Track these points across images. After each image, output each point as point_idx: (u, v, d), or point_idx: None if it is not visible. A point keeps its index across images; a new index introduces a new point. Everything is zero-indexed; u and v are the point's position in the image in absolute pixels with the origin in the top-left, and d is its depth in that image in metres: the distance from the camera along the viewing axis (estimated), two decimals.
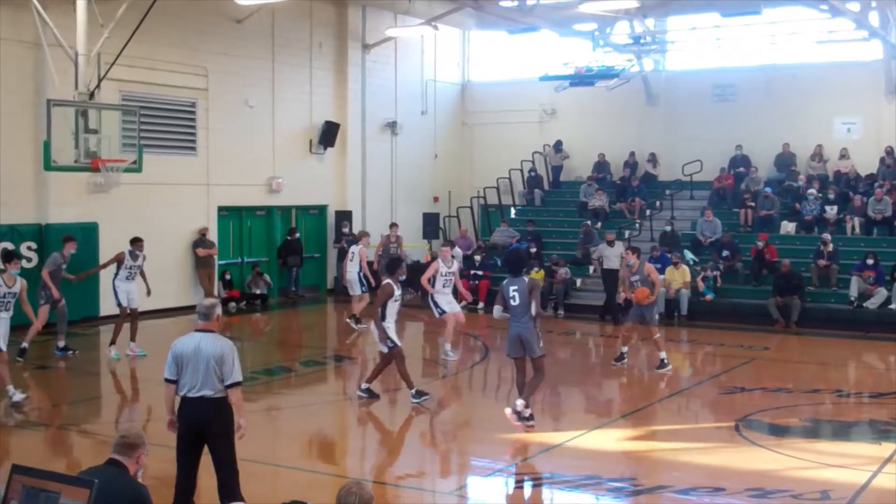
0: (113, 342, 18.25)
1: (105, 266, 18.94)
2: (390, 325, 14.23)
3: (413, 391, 14.18)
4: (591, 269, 25.90)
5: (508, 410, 12.73)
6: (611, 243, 23.07)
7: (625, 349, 18.09)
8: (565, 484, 10.81)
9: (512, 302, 12.67)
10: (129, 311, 18.12)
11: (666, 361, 17.33)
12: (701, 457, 11.96)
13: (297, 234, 27.40)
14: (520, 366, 12.96)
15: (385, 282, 14.42)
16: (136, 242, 18.33)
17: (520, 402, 12.72)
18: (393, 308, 14.26)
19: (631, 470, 11.45)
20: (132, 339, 18.19)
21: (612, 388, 17.11)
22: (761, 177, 27.92)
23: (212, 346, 8.58)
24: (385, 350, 14.27)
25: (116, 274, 18.19)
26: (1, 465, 10.61)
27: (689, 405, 15.62)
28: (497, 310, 12.86)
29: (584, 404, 15.91)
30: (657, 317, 18.12)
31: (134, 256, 18.16)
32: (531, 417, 12.84)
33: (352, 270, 21.42)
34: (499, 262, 25.78)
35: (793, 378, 17.53)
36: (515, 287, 12.68)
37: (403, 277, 14.49)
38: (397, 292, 14.30)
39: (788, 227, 25.91)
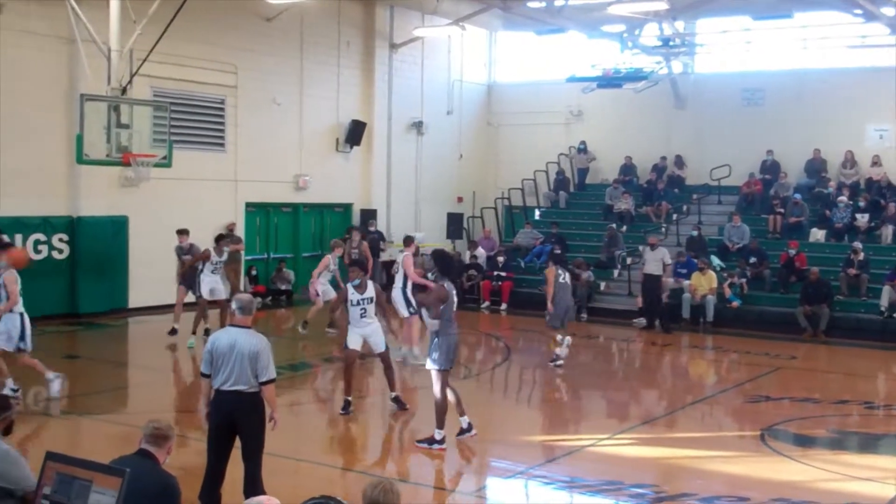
0: (193, 332, 18.86)
1: (195, 261, 19.42)
2: (353, 329, 13.80)
3: (347, 398, 13.85)
4: (616, 272, 25.87)
5: (466, 436, 12.23)
6: (652, 247, 22.93)
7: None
8: (586, 488, 10.79)
9: (453, 307, 12.01)
10: (205, 302, 19.03)
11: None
12: (725, 465, 11.91)
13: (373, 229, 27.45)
14: (447, 380, 12.09)
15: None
16: (221, 240, 19.46)
17: (467, 419, 12.31)
18: (354, 311, 13.77)
19: (653, 476, 11.40)
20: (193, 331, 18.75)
21: (635, 393, 17.03)
22: (791, 183, 27.72)
23: (247, 343, 8.74)
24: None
25: (202, 269, 19.03)
26: (34, 451, 10.69)
27: (713, 413, 15.55)
28: (428, 317, 11.95)
29: (607, 409, 15.86)
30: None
31: (219, 252, 19.14)
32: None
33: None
34: (522, 263, 25.81)
35: (820, 388, 17.40)
36: (455, 291, 12.20)
37: (357, 281, 13.87)
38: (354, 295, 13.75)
39: (818, 234, 25.69)
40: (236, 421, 8.83)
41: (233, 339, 8.78)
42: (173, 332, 19.37)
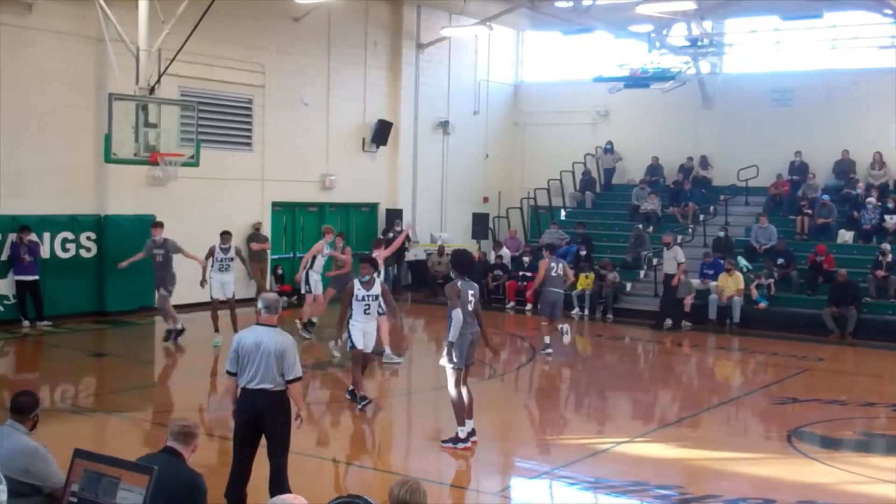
0: (216, 329, 18.93)
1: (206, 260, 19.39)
2: (355, 323, 13.89)
3: (363, 395, 13.91)
4: (642, 273, 25.80)
5: (462, 444, 11.98)
6: (667, 246, 22.94)
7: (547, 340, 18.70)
8: (611, 489, 10.77)
9: (469, 307, 11.87)
10: (216, 301, 19.03)
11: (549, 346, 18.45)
12: (751, 467, 11.85)
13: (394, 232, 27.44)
14: (460, 378, 11.98)
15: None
16: (224, 235, 19.34)
17: (472, 424, 12.10)
18: (358, 307, 13.87)
19: (678, 477, 11.34)
20: (233, 327, 18.38)
21: (660, 394, 16.99)
22: (819, 184, 27.54)
23: (273, 341, 8.76)
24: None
25: (211, 268, 19.09)
26: (62, 449, 10.76)
27: (739, 414, 15.50)
28: (458, 313, 11.67)
29: (632, 410, 15.79)
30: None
31: (224, 249, 19.10)
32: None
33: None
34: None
35: (847, 390, 17.32)
36: (473, 292, 12.00)
37: (367, 278, 13.99)
38: (361, 291, 13.84)
39: (846, 235, 25.53)
40: (262, 419, 8.85)
41: (259, 338, 8.80)
42: (173, 335, 18.86)
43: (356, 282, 13.93)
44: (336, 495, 5.85)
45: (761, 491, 10.65)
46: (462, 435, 11.92)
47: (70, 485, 5.97)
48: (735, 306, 22.79)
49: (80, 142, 21.18)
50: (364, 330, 13.95)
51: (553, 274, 18.47)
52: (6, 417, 7.06)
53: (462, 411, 11.92)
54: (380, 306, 14.38)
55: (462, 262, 12.23)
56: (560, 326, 18.59)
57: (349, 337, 13.88)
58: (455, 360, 11.81)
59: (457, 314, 11.61)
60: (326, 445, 12.66)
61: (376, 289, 13.91)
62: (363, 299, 13.80)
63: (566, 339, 18.53)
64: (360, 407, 13.76)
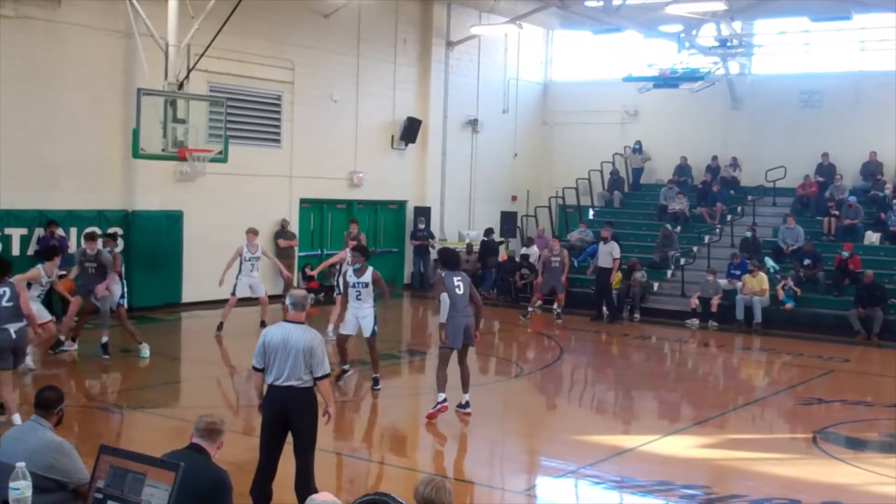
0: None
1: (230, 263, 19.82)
2: (349, 309, 15.00)
3: (343, 367, 15.33)
4: (669, 272, 25.74)
5: (462, 410, 13.39)
6: (604, 240, 23.48)
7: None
8: (637, 489, 10.76)
9: (458, 291, 13.04)
10: (235, 300, 19.60)
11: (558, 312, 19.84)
12: (776, 467, 11.81)
13: (493, 235, 28.01)
14: (448, 358, 13.28)
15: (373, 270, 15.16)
16: (248, 234, 19.91)
17: (468, 397, 13.44)
18: (351, 293, 14.94)
19: (704, 477, 11.33)
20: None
21: (686, 394, 16.94)
22: (846, 185, 27.46)
23: (301, 338, 8.77)
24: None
25: (239, 269, 19.75)
26: (87, 444, 10.84)
27: (764, 415, 15.46)
28: (444, 297, 12.92)
29: (658, 409, 15.79)
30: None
31: (252, 248, 19.71)
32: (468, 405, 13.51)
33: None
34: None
35: (873, 391, 17.22)
36: (459, 278, 13.19)
37: (357, 266, 14.91)
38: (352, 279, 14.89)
39: (873, 237, 25.45)
40: (289, 416, 8.85)
41: (286, 335, 8.82)
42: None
43: (349, 269, 15.14)
44: (362, 493, 5.88)
45: (787, 491, 10.62)
46: (440, 399, 13.12)
47: (95, 480, 5.95)
48: (756, 306, 22.71)
49: (108, 137, 21.23)
50: (357, 315, 14.83)
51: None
52: (32, 413, 7.09)
53: (443, 384, 13.16)
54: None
55: (445, 258, 13.85)
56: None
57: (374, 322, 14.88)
58: (446, 340, 13.06)
59: (444, 297, 12.91)
60: (352, 442, 12.70)
61: (367, 276, 14.77)
62: (354, 286, 14.83)
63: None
64: (336, 380, 14.60)
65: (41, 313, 15.18)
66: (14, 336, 11.64)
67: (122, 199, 21.80)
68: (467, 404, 13.41)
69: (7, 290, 11.75)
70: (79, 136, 20.81)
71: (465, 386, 13.45)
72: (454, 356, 13.34)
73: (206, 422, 6.77)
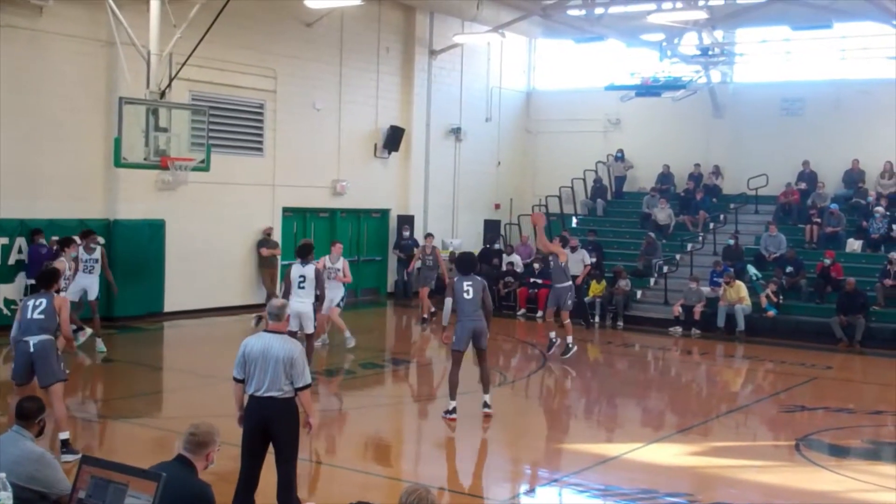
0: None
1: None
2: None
3: None
4: (652, 280, 25.79)
5: (449, 416, 13.55)
6: (573, 249, 23.30)
7: (552, 335, 19.11)
8: (621, 497, 10.74)
9: (466, 296, 13.38)
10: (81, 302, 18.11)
11: (571, 345, 18.61)
12: (759, 475, 11.80)
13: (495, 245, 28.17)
14: (459, 361, 13.59)
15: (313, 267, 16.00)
16: (88, 236, 18.26)
17: (488, 398, 13.78)
18: (295, 284, 15.69)
19: (688, 485, 11.31)
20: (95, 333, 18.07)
21: (670, 401, 16.96)
22: (828, 193, 27.59)
23: (281, 349, 8.69)
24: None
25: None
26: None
27: (748, 422, 15.46)
28: (448, 301, 13.52)
29: (641, 417, 15.79)
30: (570, 303, 19.06)
31: (89, 250, 17.98)
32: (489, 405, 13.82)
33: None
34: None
35: (855, 399, 17.28)
36: (469, 283, 13.49)
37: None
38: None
39: (854, 244, 25.54)
40: (270, 427, 8.77)
41: (266, 345, 8.73)
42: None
43: (296, 264, 16.02)
44: (346, 503, 5.83)
45: (770, 499, 10.67)
46: (449, 407, 13.49)
47: (77, 491, 5.92)
48: (738, 314, 22.80)
49: (90, 145, 21.17)
50: (298, 309, 15.28)
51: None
52: (12, 423, 7.05)
53: (454, 388, 13.48)
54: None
55: (459, 262, 14.20)
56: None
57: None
58: (454, 342, 13.54)
59: (447, 301, 14.09)
60: (335, 452, 12.67)
61: (309, 271, 15.77)
62: (299, 277, 15.75)
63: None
64: None
65: None
66: (32, 349, 10.97)
67: (104, 208, 21.69)
68: (488, 405, 13.75)
69: (44, 301, 11.21)
70: (60, 144, 20.71)
71: (486, 387, 13.82)
72: (471, 359, 13.98)
73: (190, 434, 6.69)
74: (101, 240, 18.21)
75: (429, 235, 24.72)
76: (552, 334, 19.27)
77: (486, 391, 13.80)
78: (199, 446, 6.66)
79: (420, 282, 23.77)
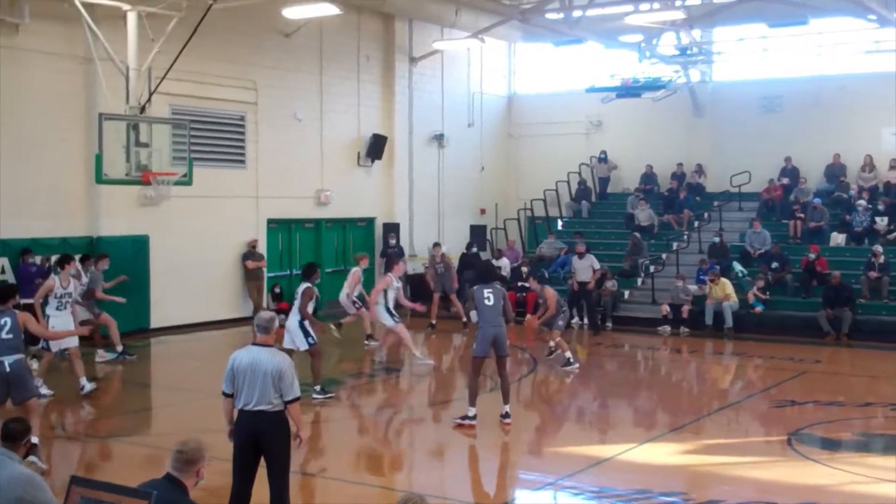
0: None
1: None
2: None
3: (318, 388, 15.52)
4: (639, 280, 25.81)
5: (469, 422, 13.65)
6: (580, 255, 23.47)
7: (567, 354, 18.79)
8: (615, 498, 10.71)
9: (487, 303, 13.64)
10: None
11: (572, 360, 18.58)
12: (753, 471, 11.84)
13: (475, 249, 28.03)
14: (479, 367, 13.87)
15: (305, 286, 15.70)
16: (67, 262, 16.45)
17: (507, 408, 13.90)
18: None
19: (681, 484, 11.34)
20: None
21: (661, 401, 16.96)
22: (811, 188, 27.71)
23: (270, 362, 8.60)
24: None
25: (46, 303, 15.75)
26: (58, 475, 10.70)
27: (739, 419, 15.48)
28: (473, 314, 13.72)
29: (634, 418, 15.79)
30: (561, 324, 19.08)
31: (65, 280, 15.96)
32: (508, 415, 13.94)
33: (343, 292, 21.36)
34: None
35: (845, 391, 17.37)
36: (490, 290, 13.75)
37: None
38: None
39: (838, 238, 25.66)
40: (261, 441, 8.69)
41: (254, 359, 8.64)
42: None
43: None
44: None
45: (763, 494, 10.65)
46: (469, 414, 13.62)
47: None
48: (726, 311, 22.88)
49: (71, 163, 21.03)
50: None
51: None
52: None
53: (474, 395, 13.72)
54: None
55: (479, 272, 14.94)
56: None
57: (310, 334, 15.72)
58: (475, 349, 13.84)
59: (472, 314, 14.25)
60: (328, 463, 12.61)
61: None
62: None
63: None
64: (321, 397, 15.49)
65: (68, 327, 15.46)
66: (8, 369, 10.99)
67: (87, 225, 21.57)
68: (507, 415, 13.84)
69: (9, 320, 11.18)
70: (41, 162, 20.57)
71: (506, 397, 13.95)
72: (492, 367, 14.15)
73: (177, 452, 6.62)
74: (72, 268, 16.58)
75: (437, 245, 25.18)
76: (552, 344, 19.33)
77: (506, 401, 13.91)
78: (188, 464, 6.59)
79: (435, 289, 24.30)
